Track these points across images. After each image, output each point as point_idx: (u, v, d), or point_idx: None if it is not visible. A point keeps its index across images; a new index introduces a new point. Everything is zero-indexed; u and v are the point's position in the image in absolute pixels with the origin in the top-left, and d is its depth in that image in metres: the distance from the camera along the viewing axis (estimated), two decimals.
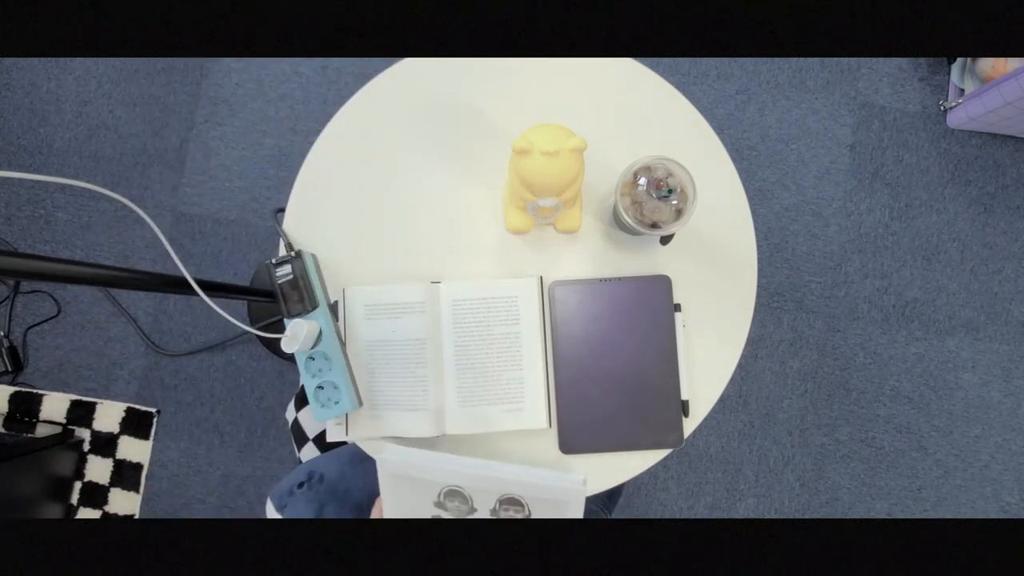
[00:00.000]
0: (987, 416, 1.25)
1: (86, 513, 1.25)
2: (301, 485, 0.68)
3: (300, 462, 0.77)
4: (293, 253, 0.59)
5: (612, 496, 0.84)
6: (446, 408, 0.60)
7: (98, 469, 1.25)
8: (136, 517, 1.26)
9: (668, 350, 0.61)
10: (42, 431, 1.22)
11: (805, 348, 1.26)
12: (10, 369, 1.25)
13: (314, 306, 0.58)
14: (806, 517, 1.25)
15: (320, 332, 0.58)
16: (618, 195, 0.55)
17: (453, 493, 0.55)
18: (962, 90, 1.25)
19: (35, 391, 1.26)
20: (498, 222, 0.64)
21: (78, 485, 1.25)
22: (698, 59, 1.29)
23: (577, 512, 0.53)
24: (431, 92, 0.66)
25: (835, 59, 1.29)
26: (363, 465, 0.69)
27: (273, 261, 0.59)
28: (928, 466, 1.25)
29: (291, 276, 0.59)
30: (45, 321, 1.28)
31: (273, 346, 1.24)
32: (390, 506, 0.57)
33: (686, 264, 0.63)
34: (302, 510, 0.65)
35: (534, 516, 0.54)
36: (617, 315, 0.61)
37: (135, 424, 1.26)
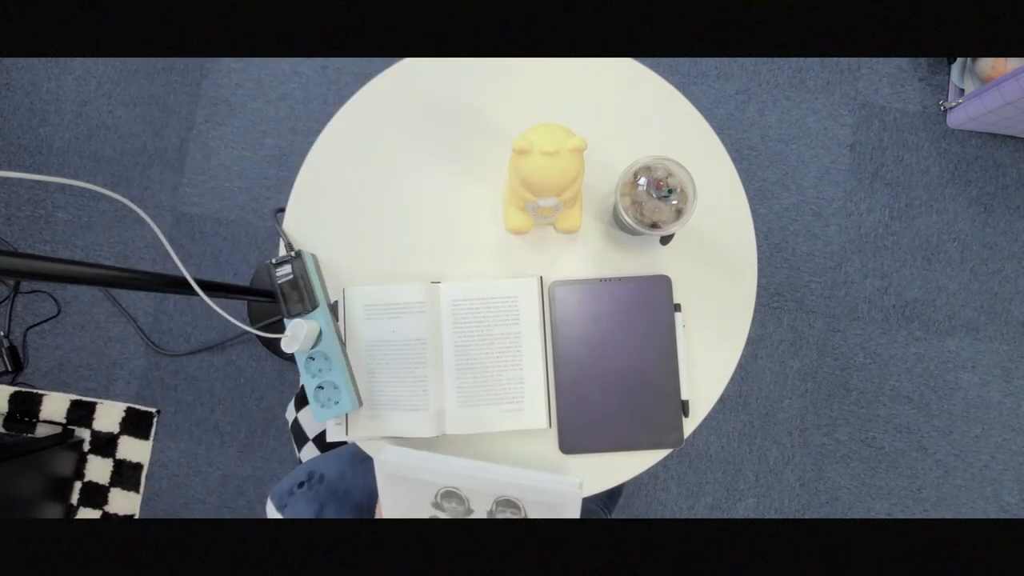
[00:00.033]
0: (987, 416, 1.25)
1: (86, 513, 1.25)
2: (301, 485, 0.68)
3: (300, 462, 0.77)
4: (293, 253, 0.59)
5: (612, 496, 0.84)
6: (446, 408, 0.60)
7: (98, 469, 1.25)
8: (136, 517, 1.26)
9: (668, 350, 0.61)
10: (42, 431, 1.22)
11: (805, 348, 1.26)
12: (10, 369, 1.25)
13: (314, 306, 0.58)
14: (806, 517, 1.25)
15: (320, 332, 0.58)
16: (618, 195, 0.55)
17: (450, 494, 0.55)
18: (962, 90, 1.25)
19: (35, 391, 1.26)
20: (498, 222, 0.64)
21: (78, 485, 1.25)
22: (698, 59, 1.29)
23: (572, 515, 0.53)
24: (431, 92, 0.66)
25: (835, 59, 1.29)
26: (363, 465, 0.69)
27: (273, 261, 0.59)
28: (928, 466, 1.25)
29: (291, 276, 0.59)
30: (45, 321, 1.28)
31: (273, 346, 1.24)
32: (388, 506, 0.57)
33: (686, 264, 0.63)
34: (302, 510, 0.65)
35: (530, 518, 0.54)
36: (617, 315, 0.61)
37: (135, 424, 1.26)
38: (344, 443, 0.67)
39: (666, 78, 0.81)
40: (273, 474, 1.26)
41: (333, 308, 0.62)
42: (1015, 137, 1.28)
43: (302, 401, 0.80)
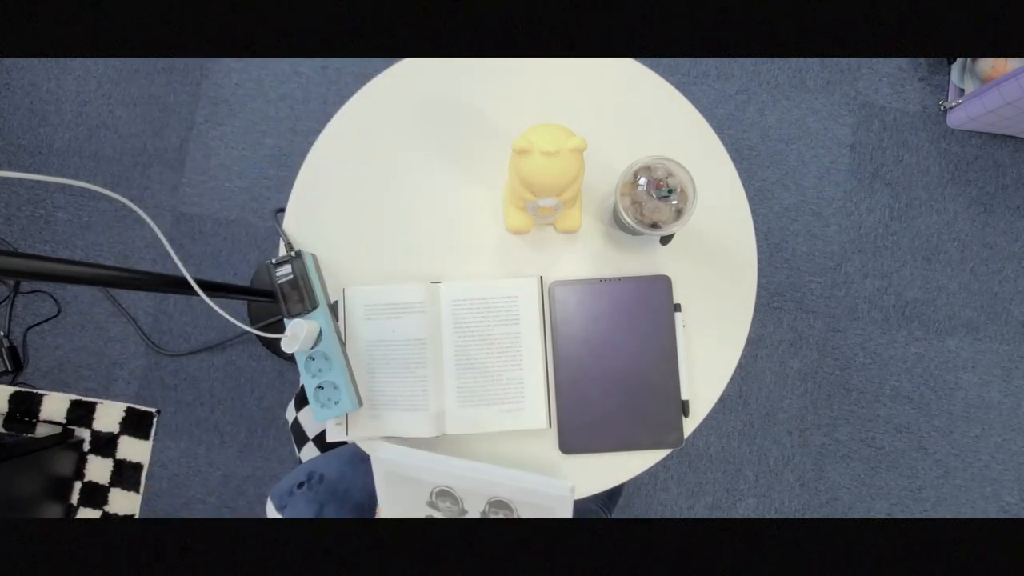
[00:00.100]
0: (987, 416, 1.25)
1: (86, 513, 1.25)
2: (301, 485, 0.67)
3: (300, 462, 0.77)
4: (293, 253, 0.59)
5: (612, 496, 0.84)
6: (446, 408, 0.60)
7: (98, 469, 1.25)
8: (136, 517, 1.26)
9: (668, 350, 0.61)
10: (42, 431, 1.22)
11: (805, 348, 1.26)
12: (10, 369, 1.25)
13: (314, 306, 0.58)
14: (806, 517, 1.25)
15: (320, 332, 0.58)
16: (618, 195, 0.55)
17: (444, 494, 0.55)
18: (962, 90, 1.25)
19: (35, 391, 1.26)
20: (498, 222, 0.64)
21: (78, 485, 1.25)
22: (698, 59, 1.29)
23: (563, 517, 0.53)
24: (431, 92, 0.66)
25: (835, 59, 1.29)
26: (363, 465, 0.69)
27: (273, 261, 0.59)
28: (928, 466, 1.25)
29: (291, 276, 0.59)
30: (45, 321, 1.28)
31: (273, 346, 1.24)
32: (386, 504, 0.57)
33: (686, 264, 0.63)
34: (302, 510, 0.65)
35: (530, 519, 0.54)
36: (617, 315, 0.61)
37: (135, 424, 1.26)
38: (344, 443, 0.67)
39: (666, 78, 0.81)
40: (273, 474, 1.26)
41: (333, 308, 0.62)
42: (1015, 137, 1.28)
43: (302, 401, 0.80)
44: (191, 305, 1.28)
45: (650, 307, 0.61)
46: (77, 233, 1.29)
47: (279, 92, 1.30)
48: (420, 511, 0.56)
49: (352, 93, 0.66)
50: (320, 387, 0.58)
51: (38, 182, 1.31)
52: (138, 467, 1.26)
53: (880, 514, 1.25)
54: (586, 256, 0.64)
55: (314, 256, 0.63)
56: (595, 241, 0.64)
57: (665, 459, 1.26)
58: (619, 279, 0.62)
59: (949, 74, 1.28)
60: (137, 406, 1.26)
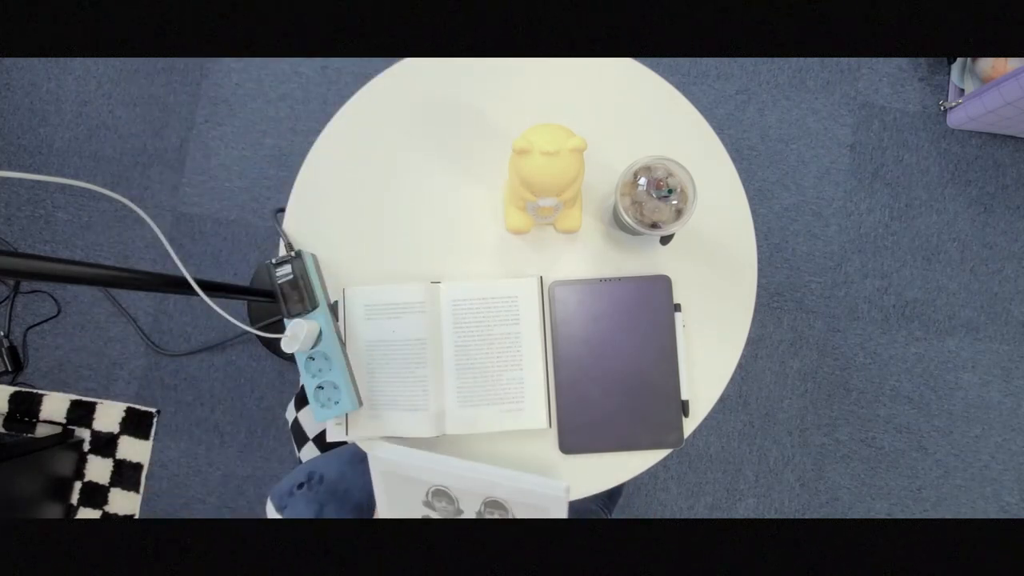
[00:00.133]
0: (987, 416, 1.25)
1: (86, 513, 1.25)
2: (301, 485, 0.67)
3: (300, 462, 0.77)
4: (293, 253, 0.59)
5: (612, 496, 0.84)
6: (446, 408, 0.60)
7: (98, 469, 1.25)
8: (136, 517, 1.26)
9: (668, 350, 0.61)
10: (42, 431, 1.22)
11: (805, 348, 1.26)
12: (10, 369, 1.25)
13: (314, 306, 0.58)
14: (806, 517, 1.25)
15: (320, 332, 0.58)
16: (618, 195, 0.55)
17: (440, 493, 0.55)
18: (962, 90, 1.25)
19: (35, 391, 1.26)
20: (498, 222, 0.64)
21: (78, 485, 1.25)
22: (698, 59, 1.29)
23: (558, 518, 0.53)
24: (431, 92, 0.66)
25: (835, 59, 1.29)
26: (363, 465, 0.69)
27: (273, 261, 0.59)
28: (928, 466, 1.25)
29: (291, 276, 0.59)
30: (45, 321, 1.28)
31: (273, 346, 1.24)
32: (384, 503, 0.57)
33: (686, 264, 0.63)
34: (302, 510, 0.65)
35: (529, 519, 0.54)
36: (617, 315, 0.61)
37: (135, 424, 1.26)
38: (344, 443, 0.67)
39: (666, 78, 0.81)
40: (273, 474, 1.26)
41: (333, 308, 0.62)
42: (1015, 137, 1.28)
43: (302, 401, 0.80)
44: (191, 305, 1.28)
45: (650, 307, 0.61)
46: (77, 233, 1.29)
47: (279, 92, 1.30)
48: (416, 511, 0.56)
49: (352, 93, 0.66)
50: (320, 387, 0.58)
51: (38, 182, 1.31)
52: (138, 467, 1.26)
53: (880, 514, 1.25)
54: (586, 256, 0.64)
55: (314, 256, 0.63)
56: (595, 241, 0.64)
57: (665, 459, 1.26)
58: (619, 279, 0.62)
59: (949, 74, 1.28)
60: (137, 406, 1.26)
